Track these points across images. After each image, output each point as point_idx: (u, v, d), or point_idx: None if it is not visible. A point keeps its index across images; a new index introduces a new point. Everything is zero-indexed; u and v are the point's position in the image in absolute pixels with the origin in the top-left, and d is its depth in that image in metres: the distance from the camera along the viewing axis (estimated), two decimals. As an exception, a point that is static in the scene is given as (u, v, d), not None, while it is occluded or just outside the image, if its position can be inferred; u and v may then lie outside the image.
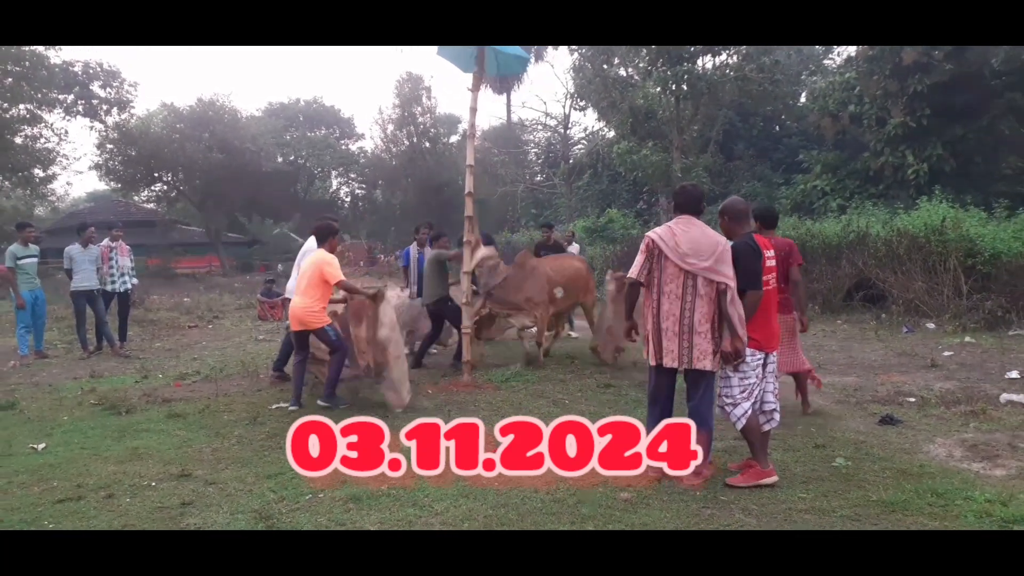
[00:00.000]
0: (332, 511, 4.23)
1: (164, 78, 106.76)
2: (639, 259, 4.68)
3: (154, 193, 38.51)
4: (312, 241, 8.32)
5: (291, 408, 6.79)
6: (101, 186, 44.64)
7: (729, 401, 4.60)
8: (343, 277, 6.83)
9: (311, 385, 7.38)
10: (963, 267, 11.94)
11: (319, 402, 6.80)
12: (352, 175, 47.17)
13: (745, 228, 4.77)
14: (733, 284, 4.48)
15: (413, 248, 10.03)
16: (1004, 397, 6.61)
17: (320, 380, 7.24)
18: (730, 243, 4.67)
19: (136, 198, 40.81)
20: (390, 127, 38.68)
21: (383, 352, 6.81)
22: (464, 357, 7.91)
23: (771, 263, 4.77)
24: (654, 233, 4.66)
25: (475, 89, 8.02)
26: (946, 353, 9.17)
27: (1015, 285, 11.26)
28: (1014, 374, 7.68)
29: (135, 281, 11.19)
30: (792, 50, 25.12)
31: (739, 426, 4.60)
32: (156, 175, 36.11)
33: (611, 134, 29.01)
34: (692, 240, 4.54)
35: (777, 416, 4.71)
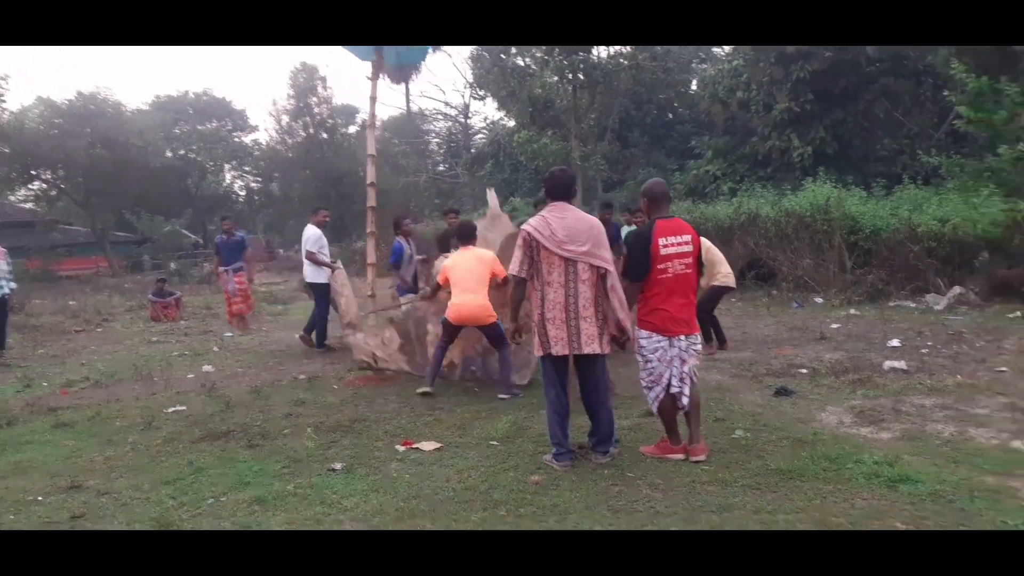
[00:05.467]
0: (236, 514, 4.08)
1: (39, 72, 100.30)
2: (517, 255, 4.58)
3: (32, 192, 36.34)
4: (311, 228, 9.49)
5: (421, 390, 6.82)
6: (-29, 187, 41.70)
7: (644, 386, 4.71)
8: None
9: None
10: (847, 244, 12.59)
11: (500, 396, 6.63)
12: (246, 168, 45.70)
13: (662, 211, 4.68)
14: (612, 267, 4.54)
15: (403, 242, 9.48)
16: (887, 364, 7.00)
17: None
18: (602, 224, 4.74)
19: (12, 198, 38.29)
20: (285, 118, 37.46)
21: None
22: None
23: (678, 249, 4.56)
24: (529, 225, 4.58)
25: (374, 78, 7.91)
26: (834, 325, 9.65)
27: (893, 260, 11.96)
28: (895, 342, 8.15)
29: (13, 286, 10.48)
30: (683, 38, 25.72)
31: (654, 408, 4.73)
32: (33, 173, 33.97)
33: (511, 123, 29.11)
34: (568, 227, 4.51)
35: (685, 400, 4.60)
